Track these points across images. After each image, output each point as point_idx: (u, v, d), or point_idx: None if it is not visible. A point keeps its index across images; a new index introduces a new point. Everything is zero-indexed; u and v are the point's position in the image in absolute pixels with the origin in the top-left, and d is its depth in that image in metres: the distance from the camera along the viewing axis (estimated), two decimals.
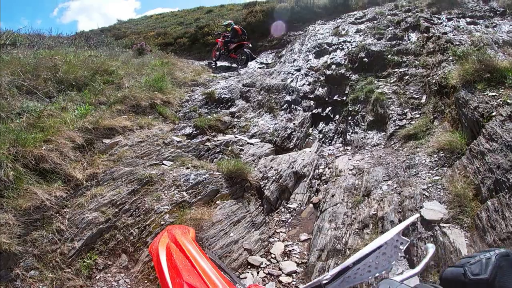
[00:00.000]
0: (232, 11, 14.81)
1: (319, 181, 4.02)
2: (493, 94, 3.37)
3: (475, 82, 3.72)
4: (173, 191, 2.99)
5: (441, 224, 2.47)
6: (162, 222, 2.66)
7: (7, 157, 2.56)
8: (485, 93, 3.45)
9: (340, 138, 5.27)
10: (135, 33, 13.41)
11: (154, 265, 1.32)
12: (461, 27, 6.86)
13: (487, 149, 2.81)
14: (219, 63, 10.18)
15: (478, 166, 2.79)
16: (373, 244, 0.86)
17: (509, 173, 2.45)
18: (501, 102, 3.18)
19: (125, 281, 2.34)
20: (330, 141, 5.28)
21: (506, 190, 2.36)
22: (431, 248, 0.92)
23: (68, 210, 2.64)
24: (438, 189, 2.89)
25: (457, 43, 5.48)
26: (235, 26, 9.58)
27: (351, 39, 7.96)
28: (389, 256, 0.87)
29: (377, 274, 0.86)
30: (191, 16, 15.29)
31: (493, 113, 3.10)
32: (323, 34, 9.07)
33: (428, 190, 2.93)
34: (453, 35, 6.06)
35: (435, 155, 3.46)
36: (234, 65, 9.71)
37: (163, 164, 3.41)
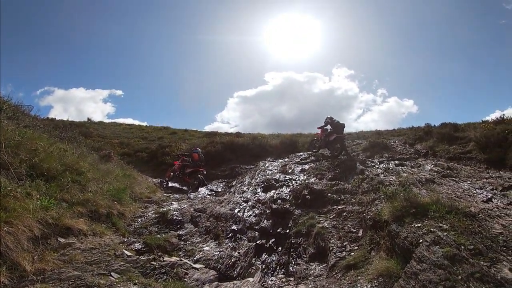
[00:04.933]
0: (194, 137, 16.31)
1: None
2: (419, 225, 4.15)
3: (403, 217, 4.48)
4: None
5: None
6: None
7: None
8: (412, 225, 4.21)
9: (283, 269, 5.49)
10: (101, 136, 13.85)
11: None
12: (391, 168, 8.14)
13: (419, 269, 3.42)
14: (170, 184, 10.58)
15: (414, 284, 3.34)
16: None
17: (439, 285, 3.07)
18: (426, 231, 3.93)
19: None
20: (272, 272, 5.46)
21: None
22: None
23: None
24: None
25: (387, 183, 6.49)
26: (194, 153, 10.58)
27: (296, 177, 9.01)
28: None
29: None
30: (156, 133, 16.50)
31: (420, 240, 3.82)
32: (271, 170, 10.16)
33: None
34: (384, 176, 7.21)
35: (375, 281, 3.92)
36: (185, 188, 10.18)
37: (111, 275, 3.36)
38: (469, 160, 8.39)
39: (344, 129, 11.22)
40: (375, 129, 16.11)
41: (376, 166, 8.82)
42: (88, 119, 20.06)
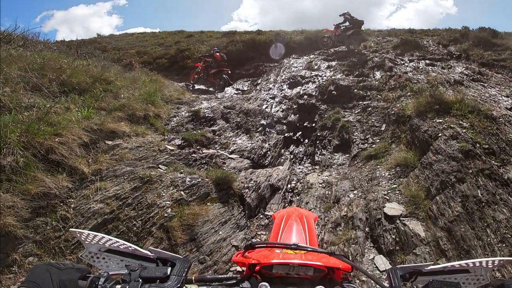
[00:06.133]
0: (212, 38, 15.45)
1: (292, 193, 4.62)
2: (440, 120, 4.29)
3: (426, 112, 4.62)
4: (172, 190, 3.36)
5: (401, 218, 3.21)
6: (165, 215, 3.01)
7: (18, 145, 2.73)
8: (434, 120, 4.36)
9: (309, 159, 5.92)
10: (115, 48, 13.49)
11: (274, 223, 1.74)
12: (420, 67, 7.94)
13: (434, 160, 3.67)
14: (196, 86, 10.64)
15: (428, 173, 3.63)
16: (461, 263, 0.86)
17: (451, 175, 3.32)
18: (446, 126, 4.09)
19: None
20: (300, 161, 5.91)
21: (450, 187, 3.23)
22: None
23: (73, 200, 2.84)
24: (397, 194, 3.66)
25: (415, 81, 6.43)
26: (216, 53, 10.27)
27: (322, 74, 8.85)
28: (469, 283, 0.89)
29: None
30: (172, 38, 15.74)
31: (439, 134, 3.99)
32: (297, 67, 9.93)
33: (388, 195, 3.67)
34: (413, 75, 7.11)
35: (392, 170, 4.23)
36: (211, 89, 10.22)
37: (159, 167, 3.76)
38: (501, 68, 7.84)
39: (363, 26, 11.30)
40: (408, 28, 14.25)
41: (406, 64, 8.45)
42: (98, 34, 19.13)
